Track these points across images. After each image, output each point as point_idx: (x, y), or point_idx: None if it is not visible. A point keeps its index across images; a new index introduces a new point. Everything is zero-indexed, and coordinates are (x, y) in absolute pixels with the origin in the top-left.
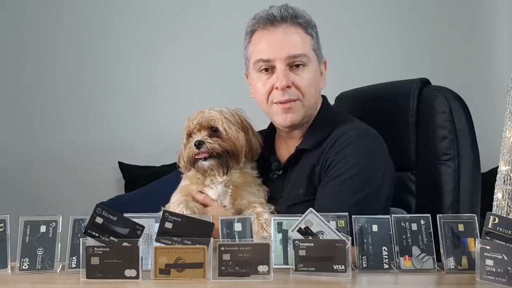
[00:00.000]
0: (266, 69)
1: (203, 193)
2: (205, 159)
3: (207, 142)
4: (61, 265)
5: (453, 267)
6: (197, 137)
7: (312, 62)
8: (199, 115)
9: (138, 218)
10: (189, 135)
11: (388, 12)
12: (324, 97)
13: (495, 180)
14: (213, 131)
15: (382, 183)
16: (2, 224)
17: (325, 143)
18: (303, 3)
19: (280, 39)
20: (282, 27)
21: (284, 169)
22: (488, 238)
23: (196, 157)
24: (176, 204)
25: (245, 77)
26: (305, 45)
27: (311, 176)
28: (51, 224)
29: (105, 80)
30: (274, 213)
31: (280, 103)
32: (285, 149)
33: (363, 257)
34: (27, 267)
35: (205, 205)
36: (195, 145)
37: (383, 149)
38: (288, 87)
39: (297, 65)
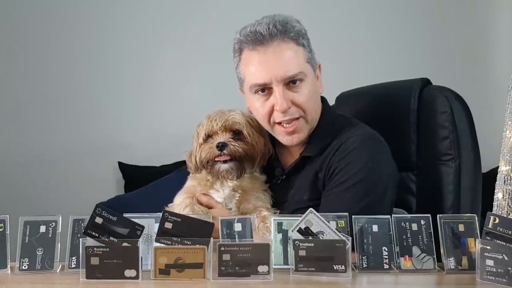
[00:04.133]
0: (263, 90)
1: (207, 195)
2: (224, 161)
3: (231, 144)
4: (60, 265)
5: (454, 267)
6: (220, 138)
7: (308, 75)
8: (221, 116)
9: (138, 218)
10: (209, 136)
11: (388, 12)
12: (324, 99)
13: (495, 180)
14: (236, 134)
15: (386, 189)
16: (2, 224)
17: (328, 149)
18: (303, 3)
19: (273, 59)
20: (273, 46)
21: (287, 175)
22: (489, 238)
23: (216, 159)
24: (182, 207)
25: (240, 92)
26: (299, 60)
27: (314, 182)
28: (50, 224)
29: (104, 81)
30: None
31: (283, 125)
32: (288, 155)
33: (363, 257)
34: (26, 267)
35: (209, 207)
36: (217, 146)
37: (387, 153)
38: (289, 107)
39: (294, 82)
